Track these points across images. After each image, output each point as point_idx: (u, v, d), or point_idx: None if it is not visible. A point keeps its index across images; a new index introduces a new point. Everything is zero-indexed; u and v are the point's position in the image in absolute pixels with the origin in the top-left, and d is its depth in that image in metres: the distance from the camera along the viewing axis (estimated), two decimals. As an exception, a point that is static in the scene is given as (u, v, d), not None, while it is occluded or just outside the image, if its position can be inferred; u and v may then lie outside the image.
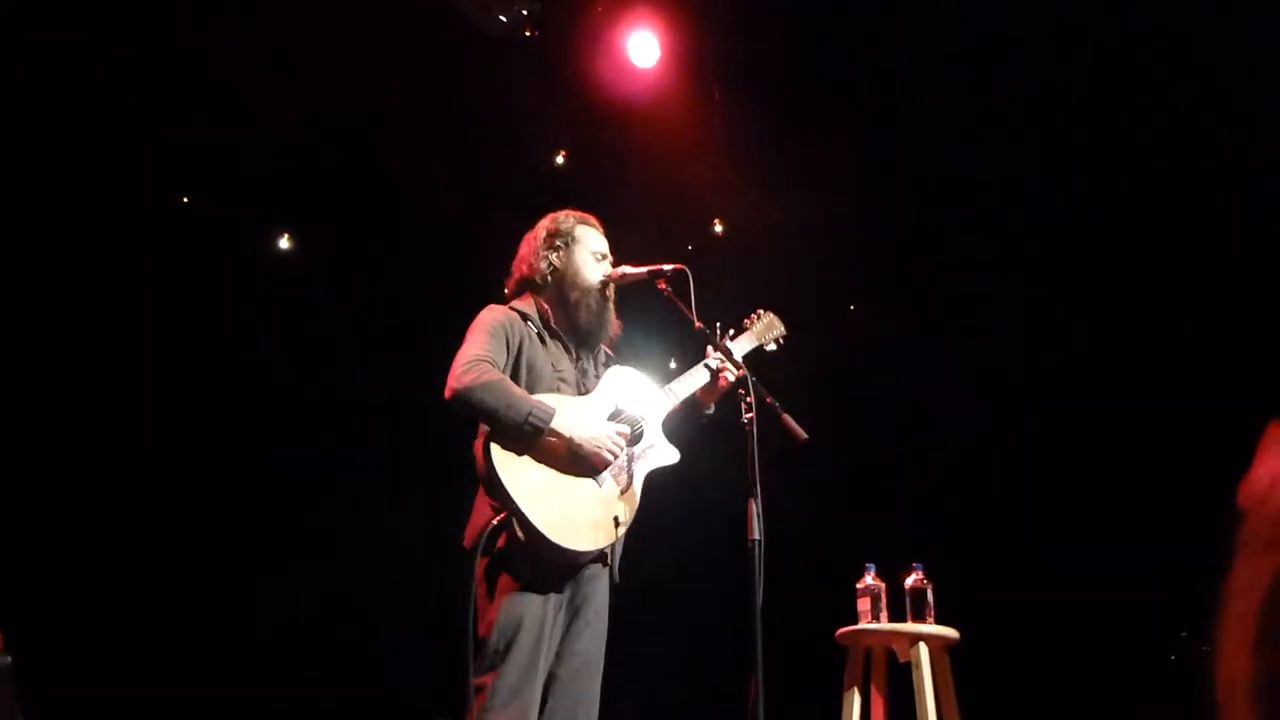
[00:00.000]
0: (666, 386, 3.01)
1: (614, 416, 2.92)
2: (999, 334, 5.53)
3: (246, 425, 5.29)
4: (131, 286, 5.12)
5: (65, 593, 4.65)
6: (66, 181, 4.88)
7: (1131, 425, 5.11)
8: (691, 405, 3.03)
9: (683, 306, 2.90)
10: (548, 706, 2.72)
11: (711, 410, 3.07)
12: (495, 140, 5.32)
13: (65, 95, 4.73)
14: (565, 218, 3.11)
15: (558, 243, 3.06)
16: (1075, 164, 5.22)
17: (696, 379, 3.00)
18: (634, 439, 2.90)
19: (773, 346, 3.28)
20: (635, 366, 3.09)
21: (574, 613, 2.80)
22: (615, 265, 3.08)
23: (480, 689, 2.63)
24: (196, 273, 5.25)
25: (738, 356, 3.03)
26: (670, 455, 2.98)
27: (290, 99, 4.84)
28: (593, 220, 3.15)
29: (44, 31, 4.51)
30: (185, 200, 5.37)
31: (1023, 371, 5.45)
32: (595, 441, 2.76)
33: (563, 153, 5.78)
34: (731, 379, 2.94)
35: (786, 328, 3.31)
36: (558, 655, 2.76)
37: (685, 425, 3.05)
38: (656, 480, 2.94)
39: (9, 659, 1.56)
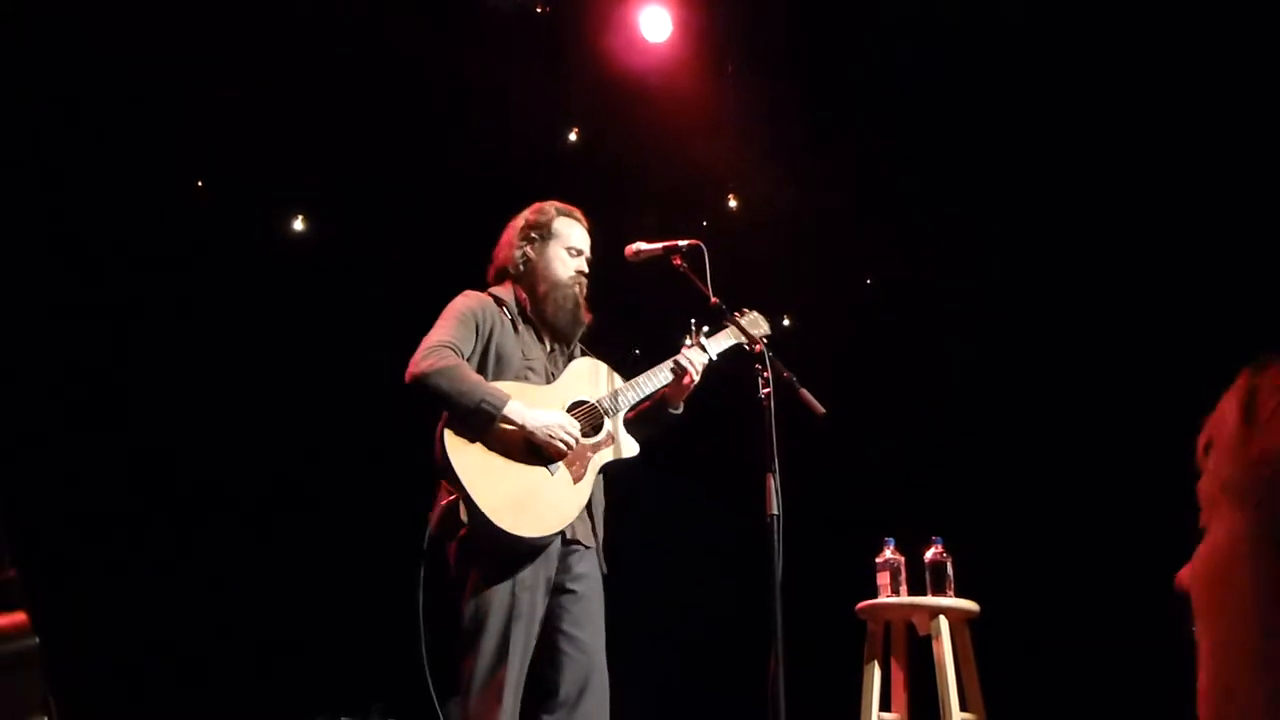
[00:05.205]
0: (631, 380, 3.02)
1: (574, 407, 2.93)
2: (1018, 306, 5.49)
3: (252, 415, 5.31)
4: (145, 272, 5.14)
5: (90, 578, 4.71)
6: (78, 169, 4.89)
7: (1160, 398, 5.04)
8: (658, 404, 3.04)
9: (698, 282, 2.89)
10: (562, 690, 2.76)
11: (680, 409, 3.06)
12: (507, 117, 5.30)
13: (76, 84, 4.74)
14: (547, 209, 3.11)
15: (533, 234, 3.07)
16: (1092, 144, 5.16)
17: (661, 377, 3.01)
18: (591, 430, 2.92)
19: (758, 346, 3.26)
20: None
21: (561, 592, 2.83)
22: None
23: (459, 674, 2.69)
24: (211, 256, 5.27)
25: (713, 355, 3.05)
26: (629, 449, 2.99)
27: (303, 80, 4.83)
28: (577, 214, 3.14)
29: (53, 17, 4.51)
30: (200, 184, 5.39)
31: (1046, 344, 5.41)
32: (548, 430, 2.79)
33: (575, 130, 5.75)
34: (696, 380, 2.97)
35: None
36: (562, 635, 2.80)
37: (652, 424, 3.06)
38: (618, 472, 2.96)
39: (37, 640, 1.57)
